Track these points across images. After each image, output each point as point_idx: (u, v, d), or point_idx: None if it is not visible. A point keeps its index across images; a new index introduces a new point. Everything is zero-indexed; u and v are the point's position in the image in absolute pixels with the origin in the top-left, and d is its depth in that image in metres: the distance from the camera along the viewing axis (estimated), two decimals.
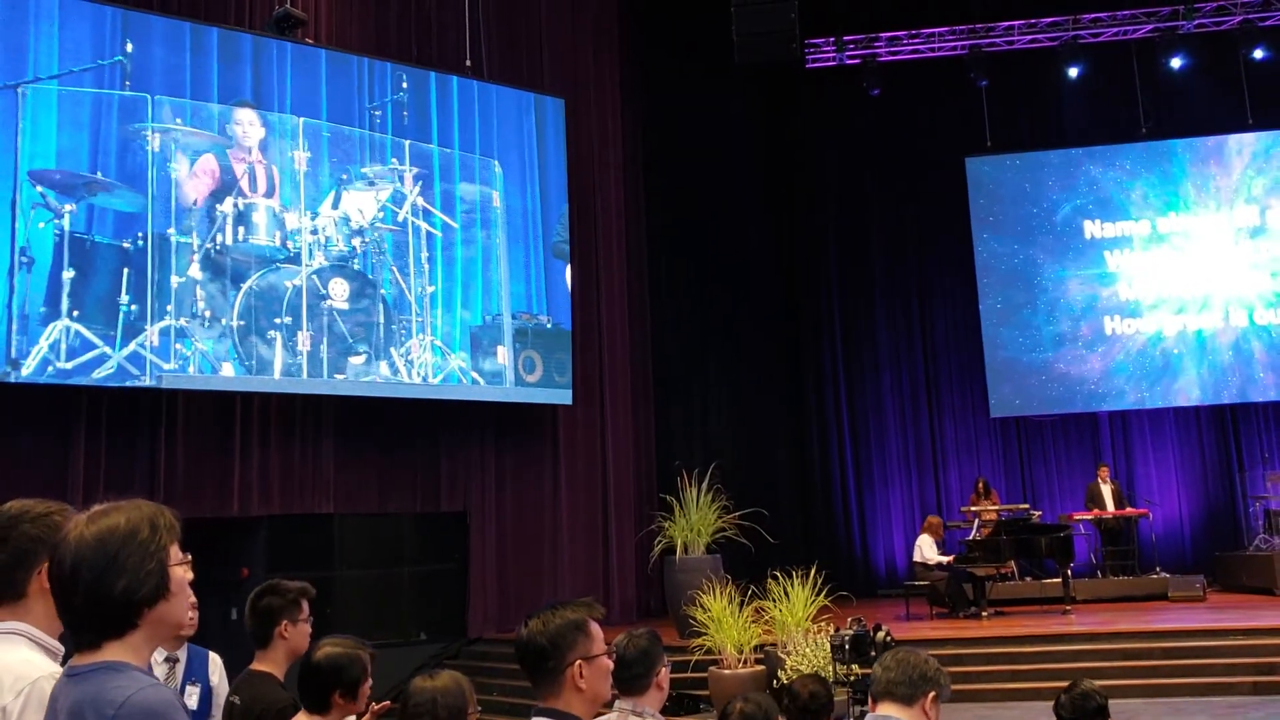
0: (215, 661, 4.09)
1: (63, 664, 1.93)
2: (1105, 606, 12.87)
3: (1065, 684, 9.70)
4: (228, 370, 10.80)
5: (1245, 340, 15.55)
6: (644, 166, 15.48)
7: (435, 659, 12.09)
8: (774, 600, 9.39)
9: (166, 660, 3.91)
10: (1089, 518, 14.43)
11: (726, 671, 9.04)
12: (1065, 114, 16.62)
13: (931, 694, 2.76)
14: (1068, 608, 12.24)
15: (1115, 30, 15.79)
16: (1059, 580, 12.68)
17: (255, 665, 3.57)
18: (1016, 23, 15.81)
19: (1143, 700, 9.20)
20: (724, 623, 9.18)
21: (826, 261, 17.59)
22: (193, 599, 3.97)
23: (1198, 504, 16.24)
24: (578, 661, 2.29)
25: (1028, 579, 14.10)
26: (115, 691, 1.73)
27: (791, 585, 9.38)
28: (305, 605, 3.60)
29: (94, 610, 1.79)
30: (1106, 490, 14.52)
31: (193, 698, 3.89)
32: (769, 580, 9.58)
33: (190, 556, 1.92)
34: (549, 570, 13.23)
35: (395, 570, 12.43)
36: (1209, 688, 9.50)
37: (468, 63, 12.93)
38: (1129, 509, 14.65)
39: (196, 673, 3.99)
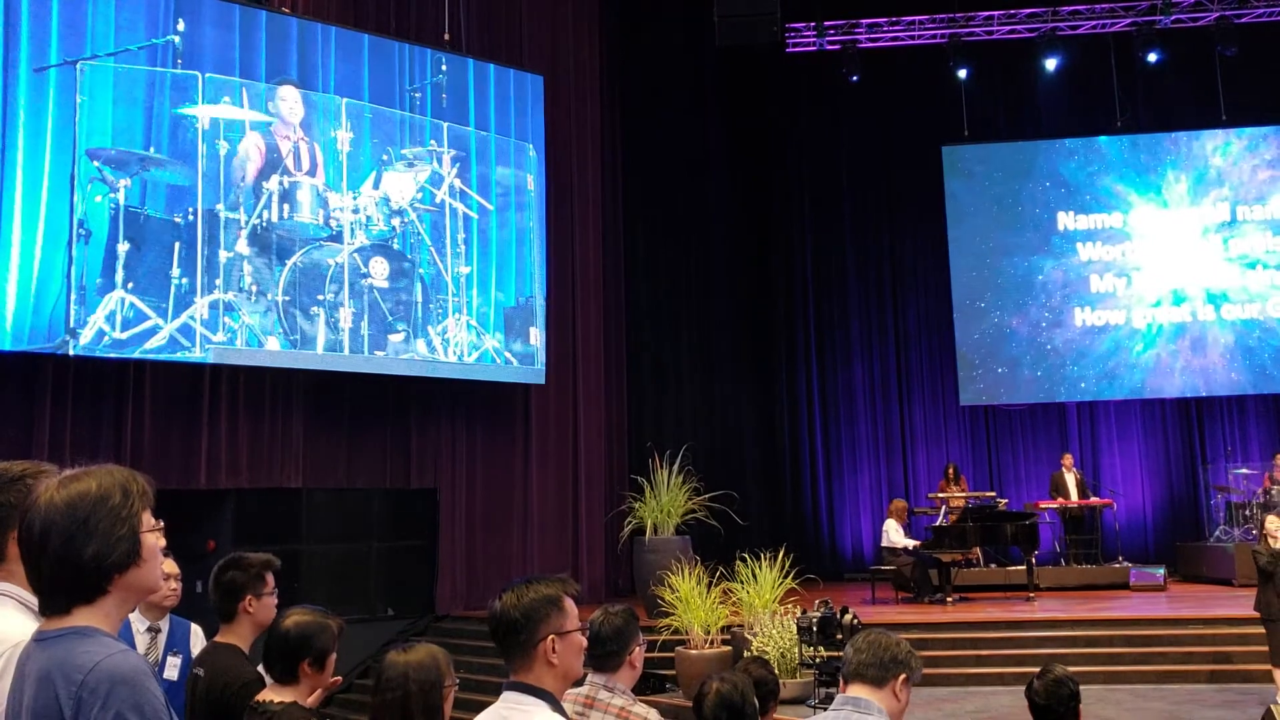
0: (197, 632, 4.07)
1: None
2: (1068, 594, 13.02)
3: (1029, 669, 9.79)
4: (273, 344, 11.03)
5: (1212, 334, 15.72)
6: (621, 148, 15.42)
7: (402, 635, 12.08)
8: (742, 582, 9.42)
9: (149, 630, 3.89)
10: (1054, 506, 14.56)
11: (693, 651, 9.07)
12: (1042, 105, 16.71)
13: (902, 676, 2.77)
14: (1031, 595, 12.38)
15: (1093, 23, 15.86)
16: (1023, 567, 12.83)
17: (220, 638, 3.53)
18: (996, 13, 15.84)
19: (1103, 687, 9.32)
20: (692, 603, 9.20)
21: (801, 246, 17.62)
22: (176, 570, 3.95)
23: (1161, 495, 16.44)
24: (550, 636, 2.28)
25: (992, 565, 14.23)
26: (84, 657, 1.71)
27: (759, 567, 9.41)
28: (269, 578, 3.56)
29: (63, 575, 1.77)
30: (1070, 479, 14.65)
31: (174, 668, 3.87)
32: (737, 562, 9.61)
33: (163, 523, 1.89)
34: (518, 548, 13.23)
35: (363, 545, 12.40)
36: (1167, 675, 9.64)
37: (446, 36, 12.83)
38: (1093, 498, 14.80)
39: (179, 643, 3.97)
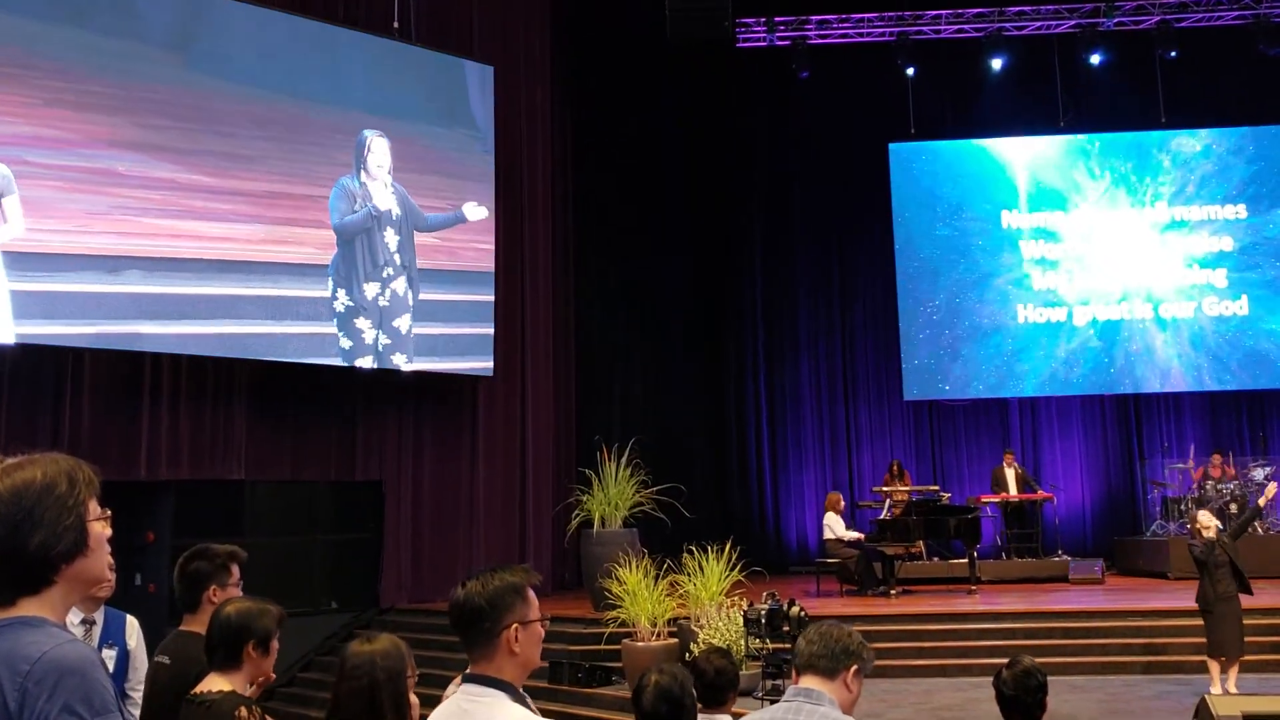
0: (132, 624, 4.01)
1: None
2: (1009, 587, 13.20)
3: (970, 661, 9.89)
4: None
5: (1150, 332, 16.01)
6: (572, 142, 15.38)
7: (346, 628, 11.98)
8: (689, 574, 9.44)
9: (83, 623, 3.83)
10: (996, 500, 14.76)
11: (640, 644, 9.08)
12: (988, 104, 16.88)
13: (854, 667, 2.78)
14: (973, 588, 12.54)
15: (1039, 24, 16.06)
16: (965, 561, 12.98)
17: (185, 627, 3.49)
18: (944, 12, 15.99)
19: None
20: (639, 596, 9.21)
21: (750, 241, 17.69)
22: (110, 561, 3.87)
23: (1099, 490, 16.72)
24: (514, 625, 2.27)
25: (935, 559, 14.37)
26: (30, 647, 1.67)
27: (706, 560, 9.44)
28: (234, 569, 3.55)
29: (7, 566, 1.73)
30: (1010, 474, 14.86)
31: (110, 660, 3.81)
32: (684, 555, 9.62)
33: (110, 512, 1.86)
34: (464, 541, 13.16)
35: (307, 538, 12.28)
36: (1105, 666, 9.82)
37: (395, 25, 12.70)
38: (1035, 492, 15.01)
39: (113, 635, 3.91)
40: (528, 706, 2.27)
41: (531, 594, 2.32)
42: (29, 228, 9.83)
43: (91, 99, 10.29)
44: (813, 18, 16.14)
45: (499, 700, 2.23)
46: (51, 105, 10.04)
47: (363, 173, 12.22)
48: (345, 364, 11.98)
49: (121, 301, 10.30)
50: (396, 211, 12.43)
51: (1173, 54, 15.53)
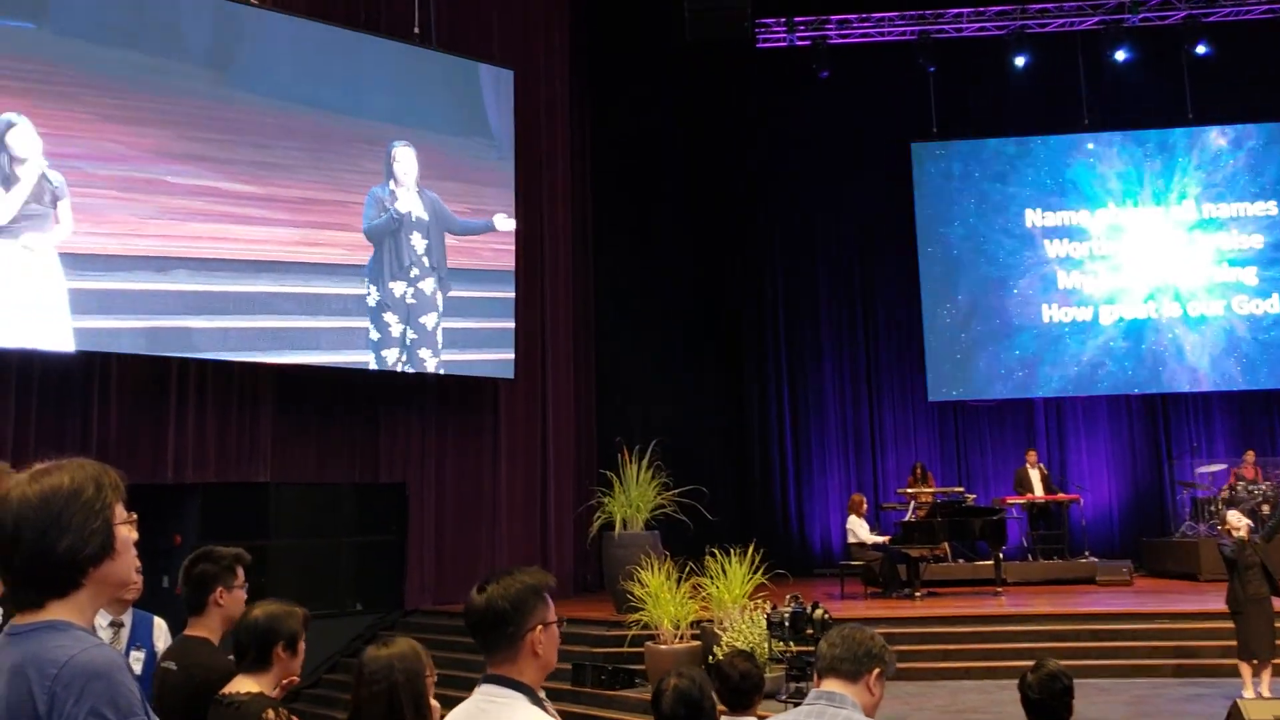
0: (160, 626, 4.02)
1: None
2: (1035, 589, 13.11)
3: (996, 664, 9.82)
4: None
5: (1178, 331, 15.86)
6: (590, 143, 15.39)
7: (370, 629, 12.03)
8: (711, 577, 9.42)
9: (111, 625, 3.85)
10: (1022, 501, 14.65)
11: (663, 647, 9.08)
12: (1010, 102, 16.77)
13: (876, 670, 2.76)
14: (998, 589, 12.45)
15: (1062, 21, 15.97)
16: (991, 562, 12.89)
17: (190, 631, 3.49)
18: (965, 10, 15.91)
19: None
20: (661, 598, 9.20)
21: (771, 243, 17.63)
22: (138, 563, 3.89)
23: (1126, 490, 16.58)
24: (537, 627, 2.26)
25: (960, 561, 14.30)
26: (58, 651, 1.69)
27: (729, 563, 9.41)
28: (240, 571, 3.53)
29: (36, 570, 1.76)
30: (1035, 475, 14.75)
31: (137, 663, 3.83)
32: (707, 557, 9.60)
33: (136, 516, 1.88)
34: (487, 543, 13.19)
35: (331, 540, 12.34)
36: (1133, 669, 9.72)
37: (415, 30, 12.76)
38: (1060, 494, 14.90)
39: (141, 638, 3.93)
40: (545, 709, 2.26)
41: (548, 595, 2.32)
42: (88, 232, 10.39)
43: (141, 114, 10.87)
44: (833, 17, 16.10)
45: (517, 702, 2.23)
46: (107, 121, 10.62)
47: (391, 181, 12.48)
48: (374, 354, 12.14)
49: (169, 299, 10.86)
50: (424, 216, 12.59)
51: (1199, 49, 15.39)
